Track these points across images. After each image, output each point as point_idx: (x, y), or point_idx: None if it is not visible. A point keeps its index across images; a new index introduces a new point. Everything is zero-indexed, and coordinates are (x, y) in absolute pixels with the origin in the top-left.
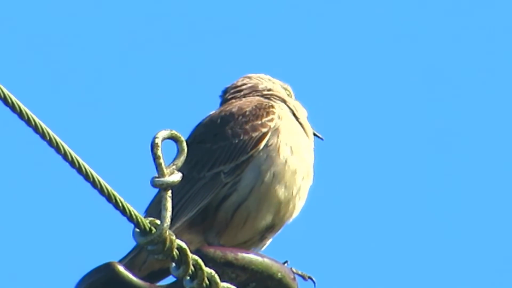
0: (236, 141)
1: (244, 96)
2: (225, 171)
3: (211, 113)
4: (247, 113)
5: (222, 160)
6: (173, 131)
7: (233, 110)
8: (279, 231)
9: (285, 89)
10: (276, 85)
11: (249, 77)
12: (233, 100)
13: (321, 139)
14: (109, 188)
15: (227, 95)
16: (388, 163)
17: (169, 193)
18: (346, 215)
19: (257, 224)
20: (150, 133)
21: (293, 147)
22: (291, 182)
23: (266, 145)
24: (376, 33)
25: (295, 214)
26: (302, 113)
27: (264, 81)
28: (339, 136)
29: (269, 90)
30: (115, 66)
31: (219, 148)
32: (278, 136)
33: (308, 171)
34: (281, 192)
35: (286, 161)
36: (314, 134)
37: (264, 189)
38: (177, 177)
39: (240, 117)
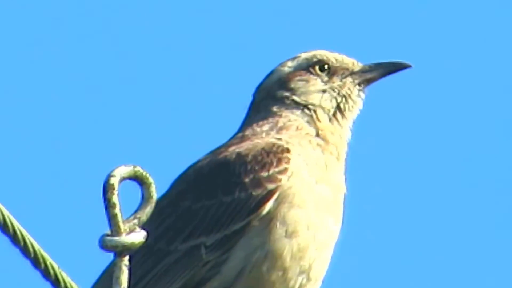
0: (229, 200)
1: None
2: (207, 244)
3: (199, 160)
4: (249, 158)
5: (206, 227)
6: (138, 168)
7: (230, 156)
8: None
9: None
10: (325, 96)
11: (300, 74)
12: (234, 141)
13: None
14: (36, 246)
15: (259, 98)
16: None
17: (126, 260)
18: None
19: None
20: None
21: (305, 216)
22: (295, 267)
23: (269, 211)
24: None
25: None
26: (337, 144)
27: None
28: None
29: (305, 106)
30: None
31: (202, 209)
32: (288, 197)
33: (326, 246)
34: (278, 281)
35: (291, 236)
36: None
37: (255, 274)
38: (139, 236)
39: (239, 166)
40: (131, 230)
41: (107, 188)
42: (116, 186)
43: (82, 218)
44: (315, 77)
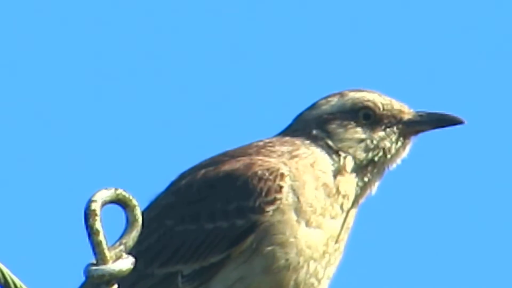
0: (210, 228)
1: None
2: (184, 273)
3: (200, 164)
4: (239, 183)
5: (184, 255)
6: (120, 191)
7: (221, 176)
8: None
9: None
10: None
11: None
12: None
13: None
14: (17, 281)
15: (296, 127)
16: None
17: None
18: None
19: None
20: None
21: (285, 255)
22: None
23: (251, 244)
24: None
25: None
26: (349, 196)
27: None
28: None
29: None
30: None
31: (183, 234)
32: (270, 232)
33: (311, 286)
34: None
35: (270, 273)
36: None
37: None
38: (126, 263)
39: (226, 190)
40: (118, 257)
41: (88, 215)
42: (98, 212)
43: (61, 247)
44: (355, 125)
